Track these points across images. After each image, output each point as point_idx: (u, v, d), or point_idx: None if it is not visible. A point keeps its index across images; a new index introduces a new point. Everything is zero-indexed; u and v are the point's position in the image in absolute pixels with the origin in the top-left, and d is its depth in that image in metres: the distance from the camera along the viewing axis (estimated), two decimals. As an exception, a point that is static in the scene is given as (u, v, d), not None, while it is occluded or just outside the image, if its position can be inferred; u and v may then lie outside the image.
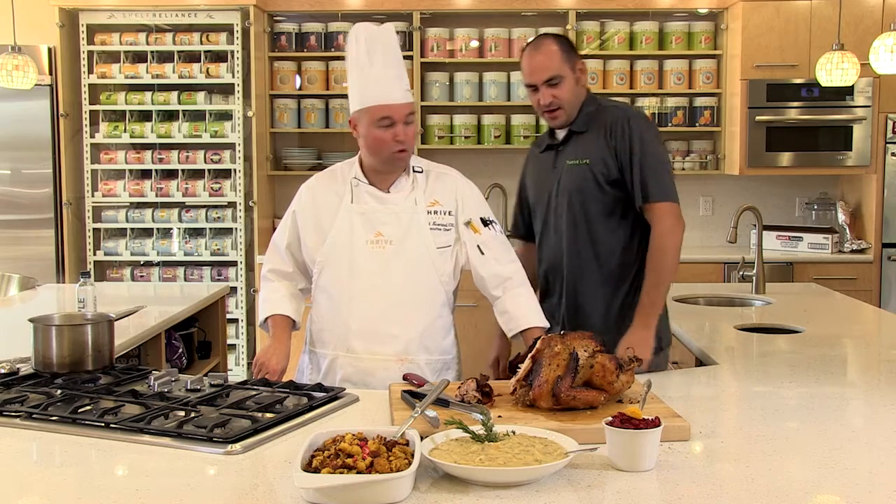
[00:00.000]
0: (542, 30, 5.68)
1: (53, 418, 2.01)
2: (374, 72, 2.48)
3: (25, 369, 2.41)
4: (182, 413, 2.02)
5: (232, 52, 5.56)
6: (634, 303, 2.70)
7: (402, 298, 2.53)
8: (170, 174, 5.70)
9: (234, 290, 5.55)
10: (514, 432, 1.80)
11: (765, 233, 4.55)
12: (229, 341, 5.12)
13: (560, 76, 2.72)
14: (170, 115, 5.69)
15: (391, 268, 2.53)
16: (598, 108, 2.81)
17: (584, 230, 2.78)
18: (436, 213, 2.59)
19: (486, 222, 2.63)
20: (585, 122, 2.78)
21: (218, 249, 5.62)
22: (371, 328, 2.53)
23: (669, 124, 5.70)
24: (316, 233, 2.60)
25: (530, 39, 2.86)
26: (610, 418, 1.76)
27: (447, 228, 2.59)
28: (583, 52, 5.37)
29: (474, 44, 5.73)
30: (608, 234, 2.77)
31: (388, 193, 2.58)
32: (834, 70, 4.47)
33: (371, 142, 2.50)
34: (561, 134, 2.85)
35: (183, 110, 5.64)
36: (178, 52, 5.59)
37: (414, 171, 2.61)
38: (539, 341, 2.11)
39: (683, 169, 5.75)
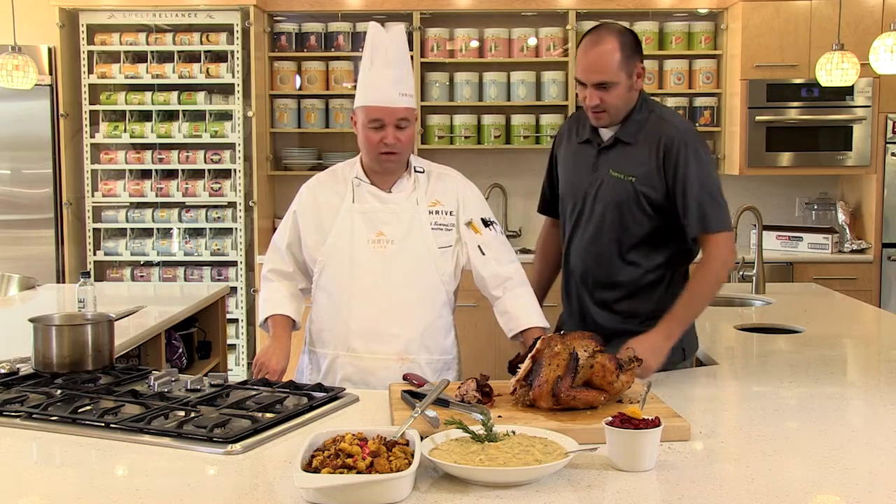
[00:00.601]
0: (543, 30, 5.69)
1: (53, 418, 2.01)
2: (372, 73, 2.49)
3: (25, 369, 2.41)
4: (182, 413, 2.02)
5: (232, 52, 5.56)
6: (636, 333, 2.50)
7: (402, 298, 2.54)
8: (170, 174, 5.69)
9: (234, 290, 5.55)
10: (514, 432, 1.80)
11: (765, 233, 4.56)
12: (229, 341, 5.12)
13: (613, 82, 2.49)
14: (170, 115, 5.69)
15: (392, 267, 2.53)
16: (651, 116, 2.58)
17: (615, 249, 2.62)
18: (437, 213, 2.59)
19: (486, 223, 2.63)
20: (634, 133, 2.57)
21: (218, 249, 5.62)
22: (372, 327, 2.53)
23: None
24: (317, 232, 2.60)
25: (594, 25, 2.61)
26: (610, 418, 1.76)
27: (448, 228, 2.60)
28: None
29: (474, 44, 5.73)
30: (639, 258, 2.60)
31: (390, 193, 2.58)
32: (834, 70, 4.47)
33: (362, 140, 2.53)
34: (606, 135, 2.63)
35: (183, 110, 5.64)
36: (178, 52, 5.59)
37: (415, 171, 2.62)
38: (539, 341, 2.11)
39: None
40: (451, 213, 2.60)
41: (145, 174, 5.72)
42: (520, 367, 2.10)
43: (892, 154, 5.43)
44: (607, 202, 2.60)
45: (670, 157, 2.52)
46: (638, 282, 2.63)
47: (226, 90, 5.64)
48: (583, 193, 2.67)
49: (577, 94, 2.62)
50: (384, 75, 2.48)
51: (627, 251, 2.61)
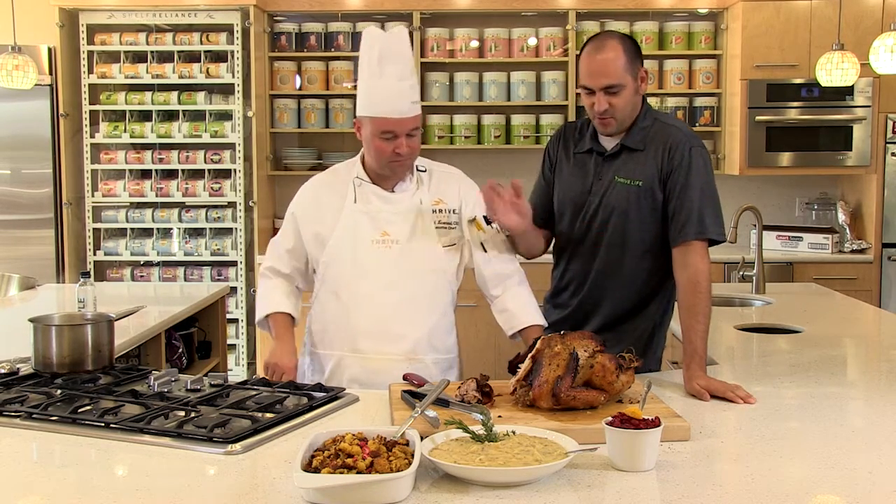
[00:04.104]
0: (543, 30, 5.69)
1: (53, 418, 2.01)
2: (383, 82, 2.44)
3: (25, 369, 2.41)
4: (182, 413, 2.02)
5: (232, 52, 5.56)
6: (639, 334, 2.62)
7: (410, 297, 2.53)
8: (170, 174, 5.70)
9: (234, 290, 5.55)
10: (514, 432, 1.80)
11: (765, 233, 4.55)
12: (229, 341, 5.12)
13: (621, 85, 2.49)
14: (170, 115, 5.69)
15: (399, 267, 2.53)
16: (655, 123, 2.60)
17: (619, 254, 2.61)
18: (441, 211, 2.59)
19: (489, 220, 2.63)
20: (641, 139, 2.57)
21: (218, 249, 5.62)
22: (380, 328, 2.52)
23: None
24: (319, 233, 2.60)
25: (593, 35, 2.62)
26: (610, 418, 1.76)
27: (452, 227, 2.59)
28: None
29: (474, 44, 5.73)
30: (643, 264, 2.60)
31: (393, 193, 2.58)
32: (834, 70, 4.47)
33: (371, 149, 2.51)
34: (609, 143, 2.62)
35: (183, 110, 5.64)
36: (178, 52, 5.59)
37: (417, 170, 2.61)
38: (539, 341, 2.11)
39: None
40: (454, 211, 2.60)
41: (145, 174, 5.72)
42: (520, 367, 2.10)
43: (892, 154, 5.43)
44: (615, 209, 2.59)
45: (675, 158, 2.52)
46: (641, 288, 2.63)
47: (226, 90, 5.64)
48: (585, 201, 2.65)
49: (577, 95, 2.58)
50: (397, 86, 2.44)
51: (633, 257, 2.61)
